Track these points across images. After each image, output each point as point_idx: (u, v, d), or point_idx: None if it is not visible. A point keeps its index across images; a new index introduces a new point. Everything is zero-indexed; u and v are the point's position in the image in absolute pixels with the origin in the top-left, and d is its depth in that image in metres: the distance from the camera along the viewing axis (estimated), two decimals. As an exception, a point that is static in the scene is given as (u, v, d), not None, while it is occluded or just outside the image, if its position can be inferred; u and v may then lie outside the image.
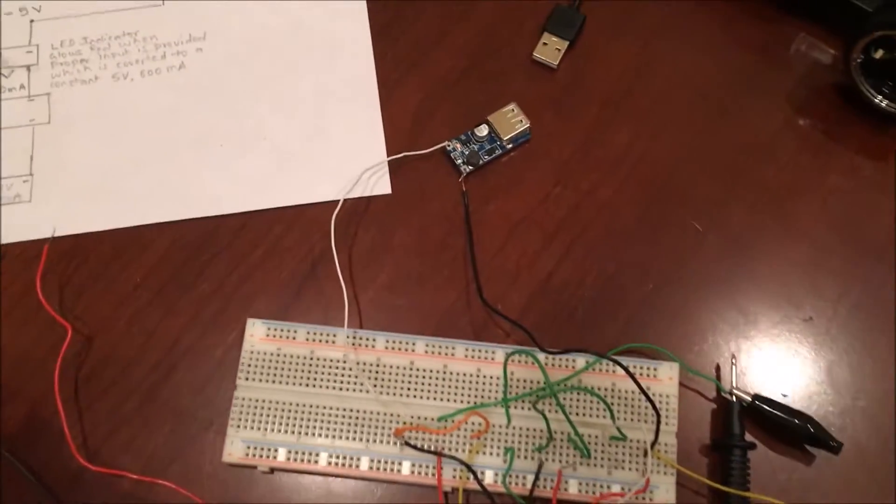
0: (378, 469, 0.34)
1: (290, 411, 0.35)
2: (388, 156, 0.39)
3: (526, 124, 0.39)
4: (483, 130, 0.39)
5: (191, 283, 0.38)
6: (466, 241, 0.38)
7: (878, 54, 0.37)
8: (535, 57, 0.41)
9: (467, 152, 0.39)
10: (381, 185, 0.39)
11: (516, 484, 0.33)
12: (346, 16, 0.42)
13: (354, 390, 0.35)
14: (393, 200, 0.39)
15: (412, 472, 0.34)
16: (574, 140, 0.40)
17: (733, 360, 0.36)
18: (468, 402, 0.35)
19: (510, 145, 0.39)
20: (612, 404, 0.35)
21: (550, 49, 0.41)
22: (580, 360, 0.35)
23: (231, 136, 0.40)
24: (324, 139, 0.40)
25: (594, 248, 0.38)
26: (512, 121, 0.39)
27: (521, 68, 0.41)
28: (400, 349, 0.36)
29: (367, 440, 0.34)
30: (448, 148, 0.39)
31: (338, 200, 0.38)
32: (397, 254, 0.38)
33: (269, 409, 0.35)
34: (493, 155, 0.39)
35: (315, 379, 0.35)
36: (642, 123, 0.40)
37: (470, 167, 0.39)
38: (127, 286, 0.38)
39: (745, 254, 0.38)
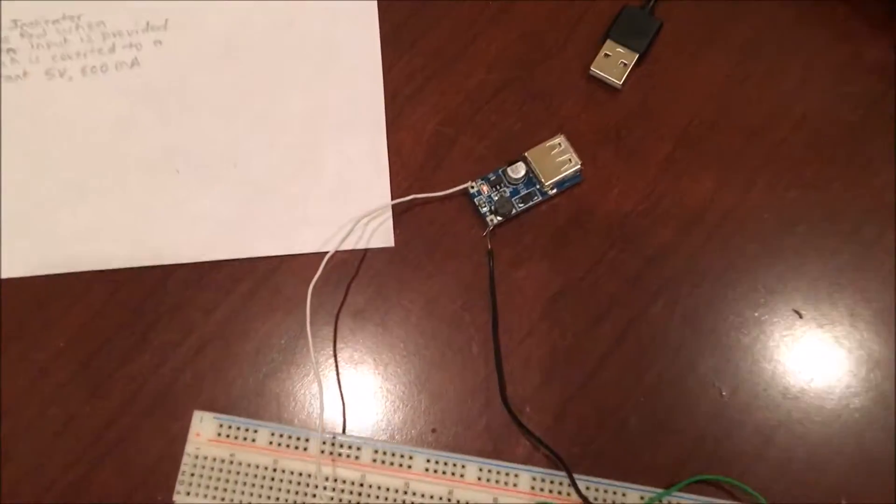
0: None
1: (242, 541, 0.26)
2: (392, 197, 0.30)
3: (576, 164, 0.30)
4: (519, 170, 0.30)
5: (127, 352, 0.29)
6: (489, 319, 0.29)
7: None
8: (592, 72, 0.31)
9: (496, 198, 0.30)
10: (382, 235, 0.30)
11: None
12: (351, 9, 0.32)
13: (328, 517, 0.26)
14: (396, 256, 0.30)
15: None
16: (639, 187, 0.30)
17: (843, 512, 0.26)
18: (478, 544, 0.26)
19: (553, 191, 0.30)
20: (673, 560, 0.26)
21: (613, 63, 0.31)
22: (632, 495, 0.26)
23: (192, 161, 0.31)
24: (311, 171, 0.30)
25: (656, 337, 0.29)
26: (558, 159, 0.30)
27: (574, 87, 0.32)
28: (392, 464, 0.27)
29: (342, 587, 0.26)
30: (471, 191, 0.30)
31: (324, 253, 0.29)
32: (396, 330, 0.29)
33: (216, 535, 0.26)
34: (531, 203, 0.30)
35: (277, 499, 0.27)
36: (731, 169, 0.31)
37: (499, 218, 0.30)
38: (47, 351, 0.29)
39: (857, 357, 0.28)
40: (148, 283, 0.30)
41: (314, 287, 0.28)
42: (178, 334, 0.29)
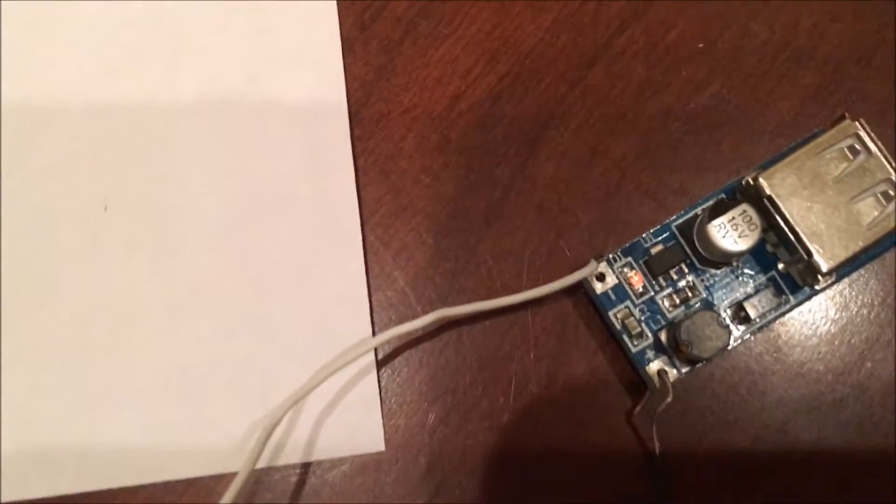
0: None
1: None
2: (376, 325, 0.11)
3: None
4: (744, 234, 0.10)
5: None
6: None
7: None
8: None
9: (673, 307, 0.10)
10: (355, 427, 0.11)
11: None
12: None
13: None
14: (392, 478, 0.11)
15: None
16: None
17: None
18: None
19: (827, 281, 0.10)
20: None
21: None
22: None
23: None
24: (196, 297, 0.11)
25: None
26: (860, 187, 0.10)
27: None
28: None
29: None
30: (597, 288, 0.11)
31: (216, 480, 0.10)
32: None
33: None
34: (770, 317, 0.10)
35: None
36: None
37: (685, 367, 0.10)
38: None
39: None
40: None
41: None
42: None
